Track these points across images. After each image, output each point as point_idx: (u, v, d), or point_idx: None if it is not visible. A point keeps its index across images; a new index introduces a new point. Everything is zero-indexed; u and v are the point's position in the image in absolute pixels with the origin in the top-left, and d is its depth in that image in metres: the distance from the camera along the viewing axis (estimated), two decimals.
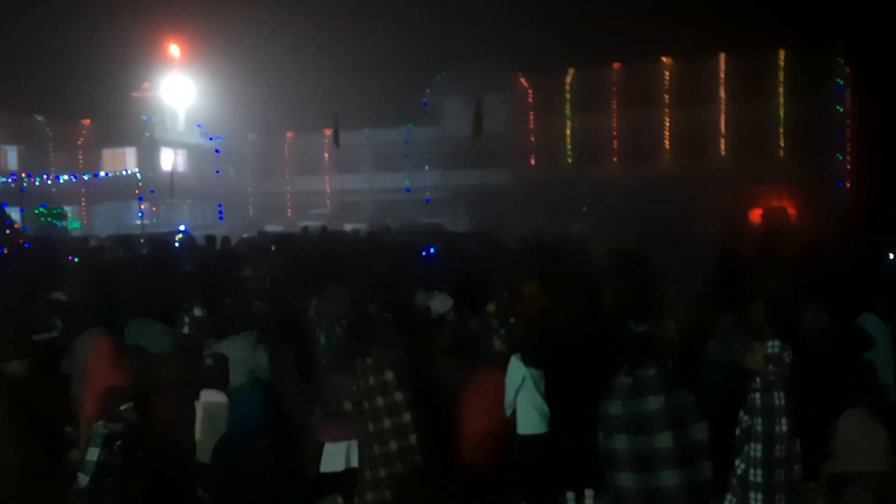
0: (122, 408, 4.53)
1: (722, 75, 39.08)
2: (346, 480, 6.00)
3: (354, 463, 5.88)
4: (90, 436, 4.45)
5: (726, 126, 39.04)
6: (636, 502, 4.10)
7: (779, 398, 4.12)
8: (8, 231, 12.34)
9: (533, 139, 41.69)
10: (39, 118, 40.24)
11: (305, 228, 16.79)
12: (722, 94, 39.08)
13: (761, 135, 37.95)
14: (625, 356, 4.35)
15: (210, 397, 5.60)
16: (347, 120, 37.79)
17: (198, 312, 6.61)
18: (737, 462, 4.18)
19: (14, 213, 23.97)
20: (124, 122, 40.83)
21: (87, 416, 5.02)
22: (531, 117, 41.71)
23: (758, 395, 4.15)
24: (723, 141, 39.19)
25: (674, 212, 24.45)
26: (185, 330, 6.54)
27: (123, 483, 4.42)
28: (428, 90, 43.66)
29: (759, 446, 4.09)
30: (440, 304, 7.14)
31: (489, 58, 40.90)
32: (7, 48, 39.87)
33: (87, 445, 4.40)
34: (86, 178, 38.75)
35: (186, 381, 5.72)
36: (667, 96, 39.69)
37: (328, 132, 34.35)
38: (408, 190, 43.16)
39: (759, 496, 4.08)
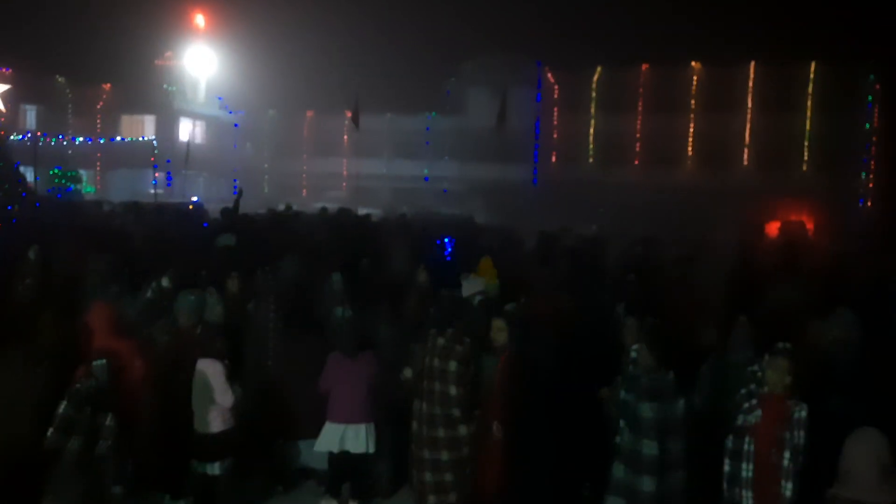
0: (95, 363, 4.51)
1: (751, 84, 38.57)
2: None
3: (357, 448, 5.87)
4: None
5: (751, 136, 38.57)
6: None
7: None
8: (20, 189, 12.09)
9: (556, 136, 41.33)
10: (60, 79, 40.10)
11: (324, 209, 16.52)
12: (749, 103, 38.58)
13: (786, 147, 37.47)
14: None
15: (202, 366, 5.51)
16: (369, 104, 37.38)
17: (165, 283, 6.74)
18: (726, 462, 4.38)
19: (29, 174, 23.88)
20: (145, 89, 40.64)
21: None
22: (555, 114, 41.35)
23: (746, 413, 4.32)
24: (746, 151, 38.73)
25: (691, 219, 24.11)
26: (149, 294, 6.63)
27: (89, 441, 4.38)
28: (453, 79, 43.21)
29: (750, 466, 4.22)
30: (468, 287, 6.89)
31: (517, 51, 40.48)
32: (31, 7, 39.72)
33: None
34: (101, 141, 38.62)
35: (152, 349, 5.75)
36: (693, 102, 39.24)
37: (349, 114, 34.06)
38: (426, 179, 42.85)
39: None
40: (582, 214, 25.17)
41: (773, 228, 30.52)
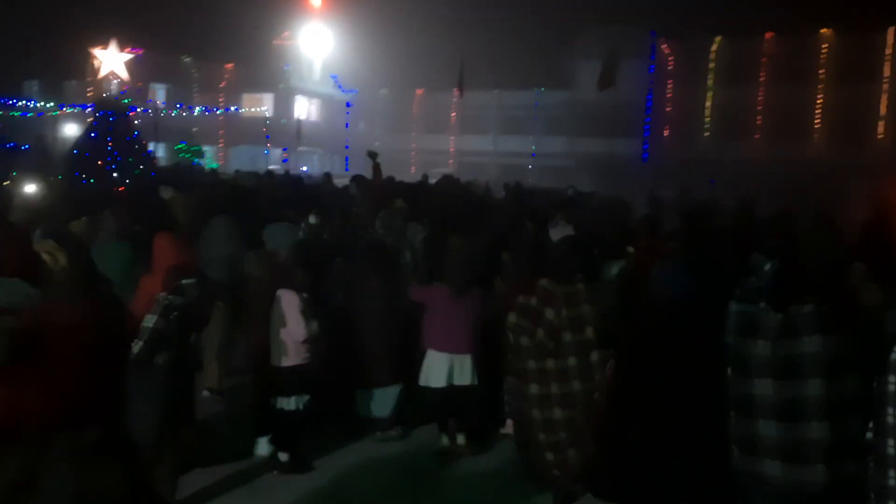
0: (184, 282, 4.44)
1: (889, 51, 35.53)
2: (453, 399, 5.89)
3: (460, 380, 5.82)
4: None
5: (888, 108, 35.60)
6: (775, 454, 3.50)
7: None
8: (141, 162, 12.60)
9: (669, 109, 39.68)
10: (186, 59, 42.22)
11: (425, 176, 16.81)
12: (887, 72, 35.56)
13: None
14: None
15: (279, 295, 5.48)
16: (477, 80, 37.19)
17: (312, 220, 7.66)
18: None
19: (159, 150, 25.44)
20: (264, 68, 42.23)
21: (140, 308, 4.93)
22: (669, 86, 39.71)
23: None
24: (882, 124, 35.79)
25: (820, 197, 22.59)
26: (301, 234, 7.06)
27: (176, 356, 4.38)
28: (562, 52, 42.29)
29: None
30: (559, 233, 6.65)
31: (630, 21, 39.10)
32: None
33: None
34: (219, 112, 40.47)
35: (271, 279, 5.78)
36: (823, 72, 36.60)
37: (457, 92, 34.02)
38: (533, 154, 42.39)
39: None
40: (696, 190, 24.09)
41: None
